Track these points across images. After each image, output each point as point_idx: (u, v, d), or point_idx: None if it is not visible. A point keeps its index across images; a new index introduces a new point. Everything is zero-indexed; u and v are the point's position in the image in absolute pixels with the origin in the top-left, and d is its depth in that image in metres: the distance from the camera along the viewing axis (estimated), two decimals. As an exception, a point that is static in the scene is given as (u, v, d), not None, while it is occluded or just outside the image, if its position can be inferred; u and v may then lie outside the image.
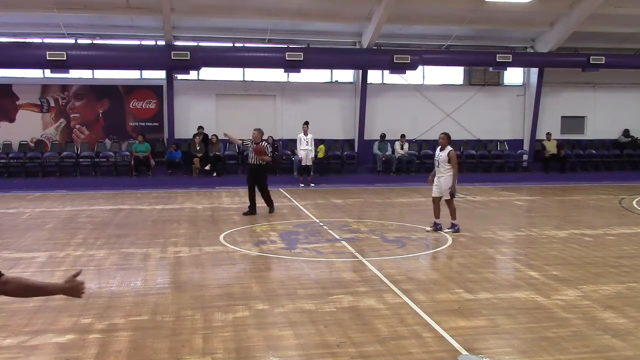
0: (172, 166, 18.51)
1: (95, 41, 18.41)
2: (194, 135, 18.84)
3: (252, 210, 11.85)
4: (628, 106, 22.14)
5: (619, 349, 4.75)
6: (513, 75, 21.83)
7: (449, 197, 9.81)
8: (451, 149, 9.83)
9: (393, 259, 7.99)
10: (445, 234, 9.62)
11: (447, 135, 9.97)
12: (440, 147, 9.96)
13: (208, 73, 19.76)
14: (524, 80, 21.82)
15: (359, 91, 19.97)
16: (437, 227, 9.90)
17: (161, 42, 18.83)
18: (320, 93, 20.37)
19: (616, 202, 14.20)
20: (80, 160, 18.68)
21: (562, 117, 22.02)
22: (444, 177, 9.80)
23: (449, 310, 5.68)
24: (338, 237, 9.42)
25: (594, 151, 21.62)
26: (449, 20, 18.78)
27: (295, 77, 19.99)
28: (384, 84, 20.85)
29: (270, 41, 19.29)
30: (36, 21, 17.84)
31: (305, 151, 17.45)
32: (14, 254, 8.20)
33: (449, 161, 9.72)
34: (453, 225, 9.84)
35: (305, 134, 17.49)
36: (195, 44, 18.90)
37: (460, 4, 17.77)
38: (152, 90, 19.36)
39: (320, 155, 18.67)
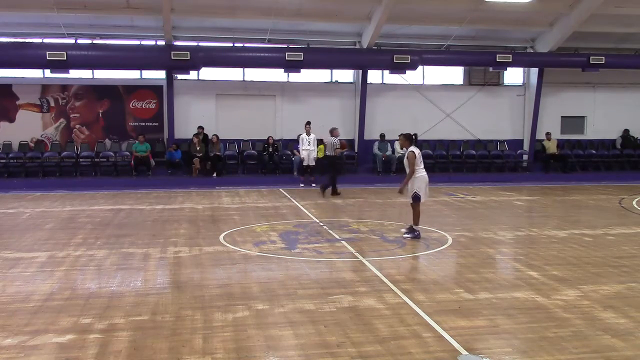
0: (172, 166, 18.51)
1: (95, 41, 18.42)
2: (194, 135, 18.84)
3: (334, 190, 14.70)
4: (628, 106, 22.15)
5: (619, 349, 4.75)
6: (513, 75, 21.85)
7: (411, 200, 9.33)
8: (411, 149, 9.35)
9: (393, 259, 8.00)
10: (446, 235, 9.62)
11: (404, 135, 9.54)
12: (404, 150, 9.60)
13: (208, 73, 19.77)
14: (524, 80, 21.83)
15: (359, 91, 19.98)
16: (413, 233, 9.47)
17: (161, 42, 18.84)
18: (320, 93, 20.38)
19: (616, 202, 14.20)
20: (80, 160, 18.69)
21: (562, 117, 22.05)
22: (411, 179, 9.36)
23: (449, 310, 5.68)
24: (338, 237, 9.42)
25: (594, 151, 21.63)
26: (448, 20, 18.78)
27: (295, 77, 20.00)
28: (384, 84, 20.86)
29: (270, 41, 19.29)
30: (36, 21, 17.85)
31: (307, 151, 17.39)
32: (14, 254, 8.20)
33: (409, 162, 9.30)
34: (412, 230, 9.30)
35: (308, 134, 17.41)
36: (195, 44, 18.91)
37: (460, 4, 17.78)
38: (152, 90, 19.37)
39: (320, 155, 18.66)
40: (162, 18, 17.40)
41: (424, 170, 9.46)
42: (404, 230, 9.61)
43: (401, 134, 9.73)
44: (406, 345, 4.80)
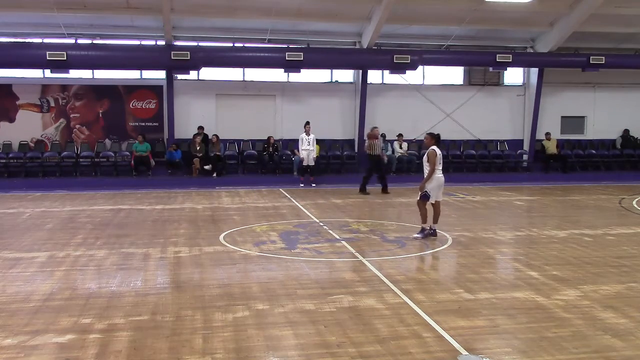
0: (172, 166, 18.51)
1: (95, 41, 18.41)
2: (194, 135, 18.84)
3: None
4: (628, 106, 22.15)
5: (619, 349, 4.75)
6: (513, 75, 21.83)
7: (418, 198, 9.32)
8: (432, 148, 9.24)
9: (393, 259, 7.99)
10: (447, 235, 9.61)
11: (430, 134, 9.50)
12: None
13: (208, 73, 19.76)
14: (524, 80, 21.82)
15: (359, 91, 19.97)
16: (430, 232, 9.48)
17: (161, 42, 18.83)
18: (320, 93, 20.37)
19: (616, 202, 14.20)
20: (80, 160, 18.68)
21: (562, 117, 22.04)
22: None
23: (449, 310, 5.69)
24: (338, 237, 9.42)
25: (594, 151, 21.62)
26: (449, 20, 18.77)
27: (295, 77, 19.99)
28: (384, 84, 20.85)
29: (270, 41, 19.28)
30: (36, 21, 17.83)
31: (307, 151, 17.38)
32: (14, 254, 8.20)
33: (428, 160, 9.25)
34: (422, 230, 9.33)
35: (308, 134, 17.40)
36: (195, 44, 18.90)
37: (460, 4, 17.77)
38: (152, 90, 19.36)
39: (316, 154, 18.65)
40: (162, 18, 17.39)
41: (441, 171, 9.38)
42: (416, 235, 9.46)
43: (427, 133, 9.69)
44: (406, 345, 4.80)
